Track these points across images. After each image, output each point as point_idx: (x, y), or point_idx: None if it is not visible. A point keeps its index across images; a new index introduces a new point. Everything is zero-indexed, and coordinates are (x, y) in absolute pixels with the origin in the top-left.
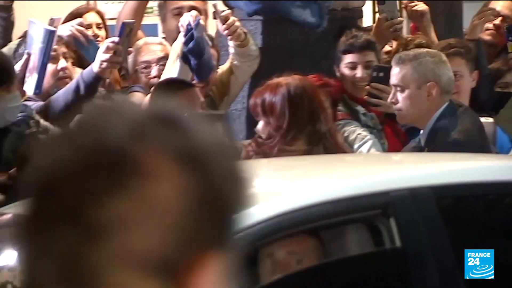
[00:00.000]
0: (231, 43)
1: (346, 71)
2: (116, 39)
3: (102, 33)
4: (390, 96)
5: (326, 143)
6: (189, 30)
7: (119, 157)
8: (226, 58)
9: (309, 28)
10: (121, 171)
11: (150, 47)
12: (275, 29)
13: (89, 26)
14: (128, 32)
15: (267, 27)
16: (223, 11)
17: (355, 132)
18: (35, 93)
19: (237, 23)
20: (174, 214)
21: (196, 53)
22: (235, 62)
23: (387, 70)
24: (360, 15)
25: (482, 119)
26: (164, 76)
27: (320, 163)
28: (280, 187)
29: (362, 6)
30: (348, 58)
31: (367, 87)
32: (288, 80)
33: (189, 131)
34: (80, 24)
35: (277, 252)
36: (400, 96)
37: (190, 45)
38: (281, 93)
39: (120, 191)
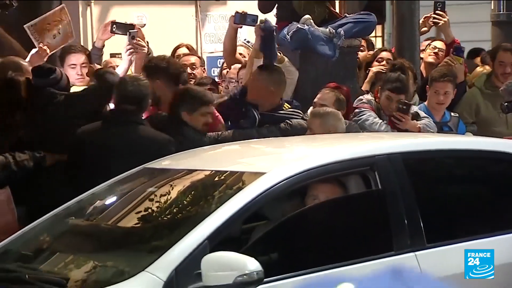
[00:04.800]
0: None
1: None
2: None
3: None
4: None
5: None
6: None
7: None
8: None
9: (327, 58)
10: None
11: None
12: (307, 57)
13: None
14: None
15: (302, 56)
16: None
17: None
18: None
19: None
20: None
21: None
22: None
23: (407, 105)
24: (358, 50)
25: (452, 114)
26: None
27: (332, 138)
28: (311, 152)
29: (360, 44)
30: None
31: (394, 113)
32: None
33: None
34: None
35: (314, 191)
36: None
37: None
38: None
39: None
